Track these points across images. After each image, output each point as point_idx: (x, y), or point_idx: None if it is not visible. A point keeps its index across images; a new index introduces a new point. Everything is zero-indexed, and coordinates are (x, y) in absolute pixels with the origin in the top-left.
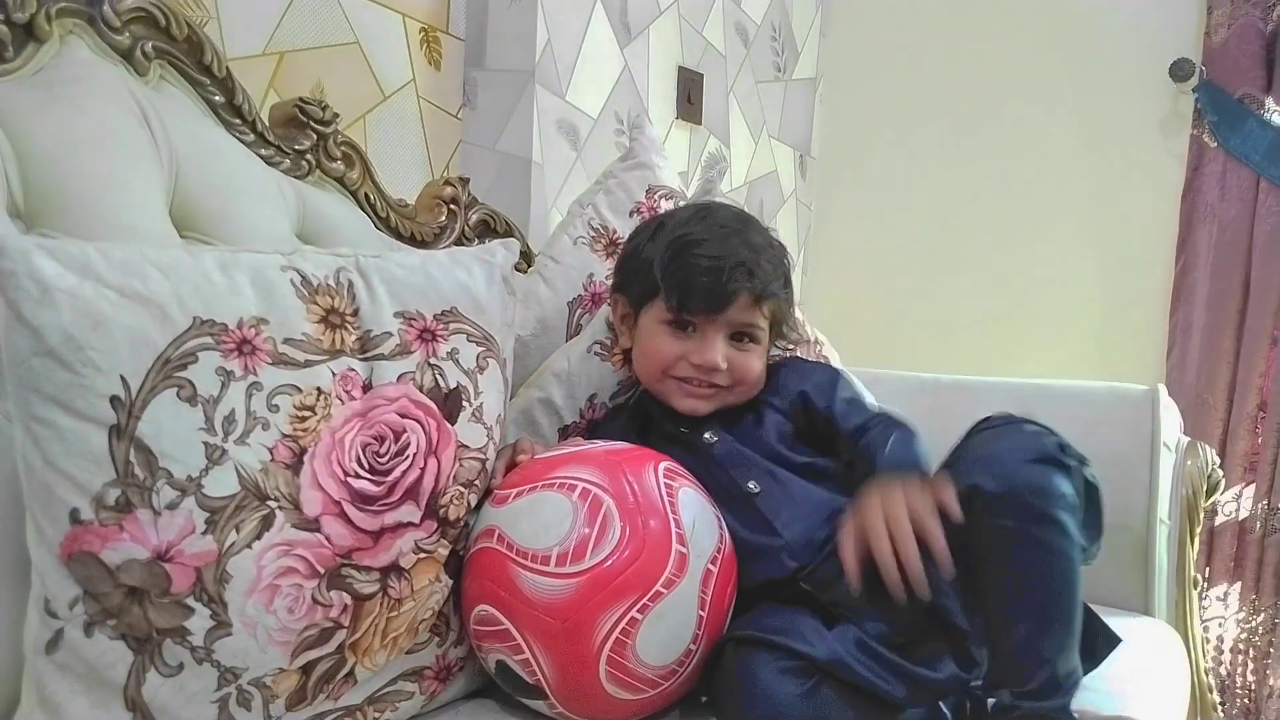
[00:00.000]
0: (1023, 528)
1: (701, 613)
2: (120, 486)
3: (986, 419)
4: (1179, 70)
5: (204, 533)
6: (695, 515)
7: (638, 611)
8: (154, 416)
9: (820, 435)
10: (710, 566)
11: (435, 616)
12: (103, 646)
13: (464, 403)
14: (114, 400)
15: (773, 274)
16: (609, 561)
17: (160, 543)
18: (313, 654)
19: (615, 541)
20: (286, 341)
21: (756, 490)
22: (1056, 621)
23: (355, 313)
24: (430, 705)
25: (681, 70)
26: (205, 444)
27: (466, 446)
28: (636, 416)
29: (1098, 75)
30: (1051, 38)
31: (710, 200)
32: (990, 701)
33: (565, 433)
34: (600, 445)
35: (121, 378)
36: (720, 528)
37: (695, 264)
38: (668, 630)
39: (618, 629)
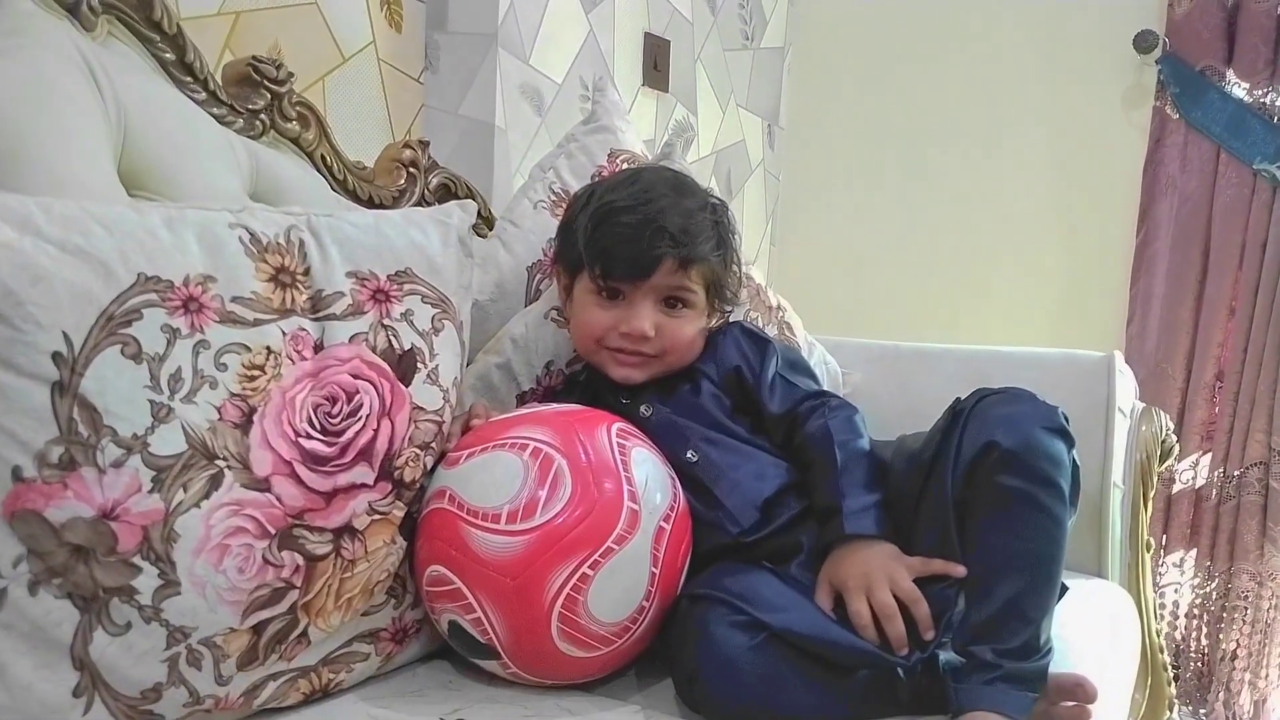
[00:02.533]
0: (1030, 489)
1: (654, 569)
2: (64, 444)
3: (987, 389)
4: (1142, 41)
5: (150, 491)
6: (648, 474)
7: (589, 567)
8: (98, 373)
9: (754, 410)
10: (663, 524)
11: (391, 579)
12: (48, 605)
13: (419, 364)
14: (56, 356)
15: (702, 237)
16: (560, 518)
17: (106, 501)
18: (264, 614)
19: (566, 499)
20: (235, 300)
21: (694, 460)
22: (1044, 585)
23: (306, 272)
24: (386, 667)
25: (648, 36)
26: (151, 402)
27: (422, 409)
28: (586, 392)
29: (1063, 46)
30: (1018, 9)
31: (644, 165)
32: (960, 656)
33: (522, 399)
34: (554, 407)
35: (64, 334)
36: (674, 487)
37: (617, 232)
38: (620, 586)
39: (569, 585)
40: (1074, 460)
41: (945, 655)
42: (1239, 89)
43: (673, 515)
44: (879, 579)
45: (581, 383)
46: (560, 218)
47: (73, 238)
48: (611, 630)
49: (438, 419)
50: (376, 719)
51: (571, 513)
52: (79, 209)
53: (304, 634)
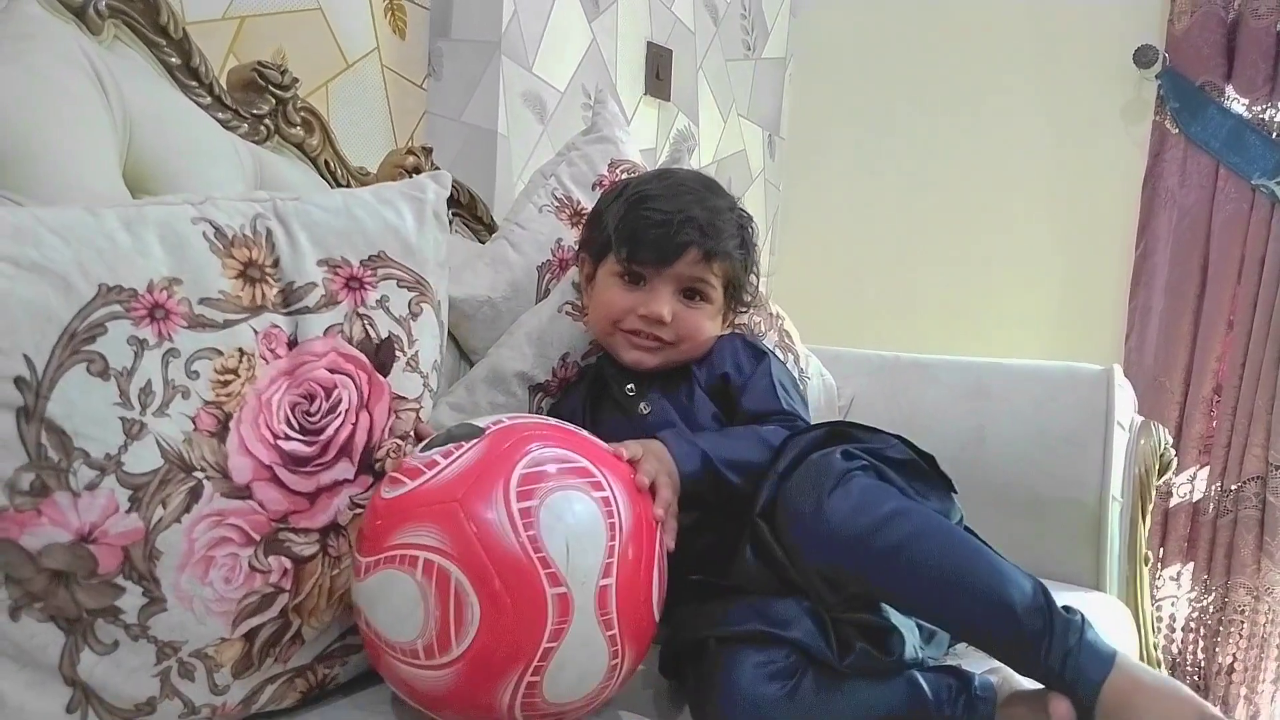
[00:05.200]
0: (871, 551)
1: (610, 631)
2: (34, 470)
3: (779, 452)
4: (1142, 57)
5: (128, 511)
6: (568, 532)
7: (532, 675)
8: (64, 395)
9: (731, 413)
10: (604, 581)
11: None
12: (31, 629)
13: (397, 353)
14: (19, 381)
15: (727, 233)
16: (478, 644)
17: (82, 524)
18: (255, 620)
19: (477, 621)
20: (203, 302)
21: None
22: (975, 580)
23: (275, 264)
24: None
25: (650, 46)
26: (122, 419)
27: (403, 398)
28: (596, 383)
29: (1063, 61)
30: (1018, 23)
31: (677, 166)
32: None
33: (537, 390)
34: (447, 470)
35: (25, 357)
36: (611, 514)
37: (646, 217)
38: (577, 670)
39: (519, 694)
40: (875, 466)
41: (980, 678)
42: (1238, 104)
43: (615, 560)
44: (658, 469)
45: (592, 373)
46: (565, 221)
47: (27, 252)
48: (587, 697)
49: (418, 406)
50: None
51: (488, 633)
52: (31, 217)
53: (297, 635)
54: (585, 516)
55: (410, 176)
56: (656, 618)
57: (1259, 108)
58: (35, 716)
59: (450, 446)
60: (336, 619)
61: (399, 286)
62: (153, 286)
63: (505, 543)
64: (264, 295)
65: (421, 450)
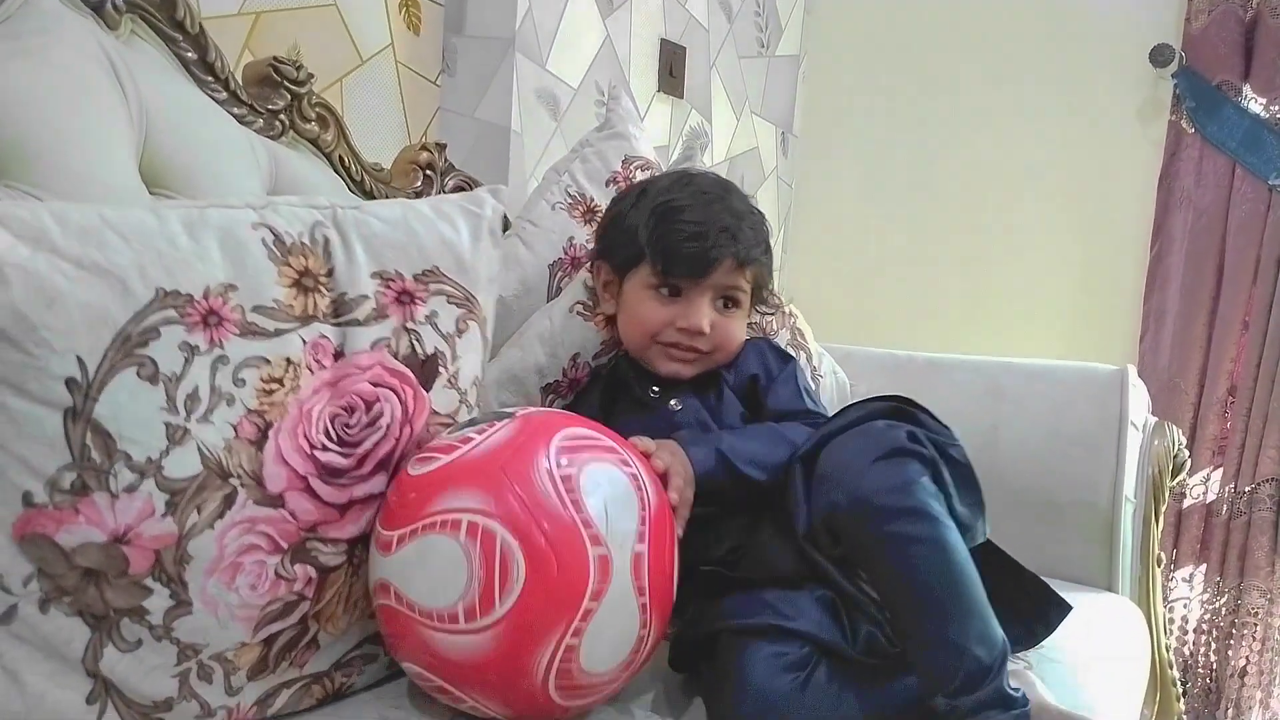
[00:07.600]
0: (888, 530)
1: (642, 599)
2: (76, 470)
3: (841, 411)
4: (1159, 56)
5: (164, 515)
6: (606, 496)
7: (572, 637)
8: (112, 398)
9: (757, 414)
10: (638, 547)
11: None
12: (59, 623)
13: (440, 369)
14: (69, 382)
15: (754, 240)
16: (523, 604)
17: (118, 525)
18: (275, 627)
19: (522, 579)
20: (256, 309)
21: None
22: (956, 609)
23: (330, 274)
24: (397, 666)
25: (664, 43)
26: (166, 424)
27: (437, 413)
28: (611, 384)
29: (1079, 59)
30: (1034, 21)
31: (689, 168)
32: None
33: (548, 391)
34: (484, 444)
35: (78, 358)
36: (639, 488)
37: (680, 230)
38: (612, 634)
39: (557, 659)
40: (956, 457)
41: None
42: (1256, 104)
43: (646, 528)
44: (680, 470)
45: (605, 375)
46: (578, 218)
47: (89, 253)
48: (613, 672)
49: (449, 421)
50: (389, 719)
51: (533, 591)
52: (96, 217)
53: (314, 640)
54: (620, 485)
55: (424, 172)
56: (674, 597)
57: (1276, 107)
58: (55, 706)
59: (483, 425)
60: (353, 625)
61: (449, 303)
62: (209, 292)
63: (549, 502)
64: (315, 305)
65: (451, 433)
